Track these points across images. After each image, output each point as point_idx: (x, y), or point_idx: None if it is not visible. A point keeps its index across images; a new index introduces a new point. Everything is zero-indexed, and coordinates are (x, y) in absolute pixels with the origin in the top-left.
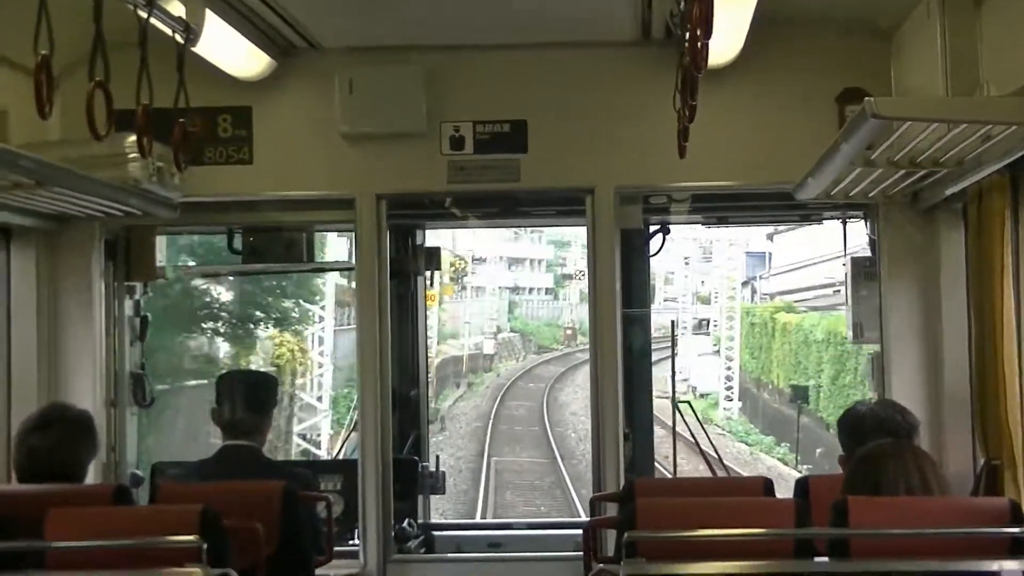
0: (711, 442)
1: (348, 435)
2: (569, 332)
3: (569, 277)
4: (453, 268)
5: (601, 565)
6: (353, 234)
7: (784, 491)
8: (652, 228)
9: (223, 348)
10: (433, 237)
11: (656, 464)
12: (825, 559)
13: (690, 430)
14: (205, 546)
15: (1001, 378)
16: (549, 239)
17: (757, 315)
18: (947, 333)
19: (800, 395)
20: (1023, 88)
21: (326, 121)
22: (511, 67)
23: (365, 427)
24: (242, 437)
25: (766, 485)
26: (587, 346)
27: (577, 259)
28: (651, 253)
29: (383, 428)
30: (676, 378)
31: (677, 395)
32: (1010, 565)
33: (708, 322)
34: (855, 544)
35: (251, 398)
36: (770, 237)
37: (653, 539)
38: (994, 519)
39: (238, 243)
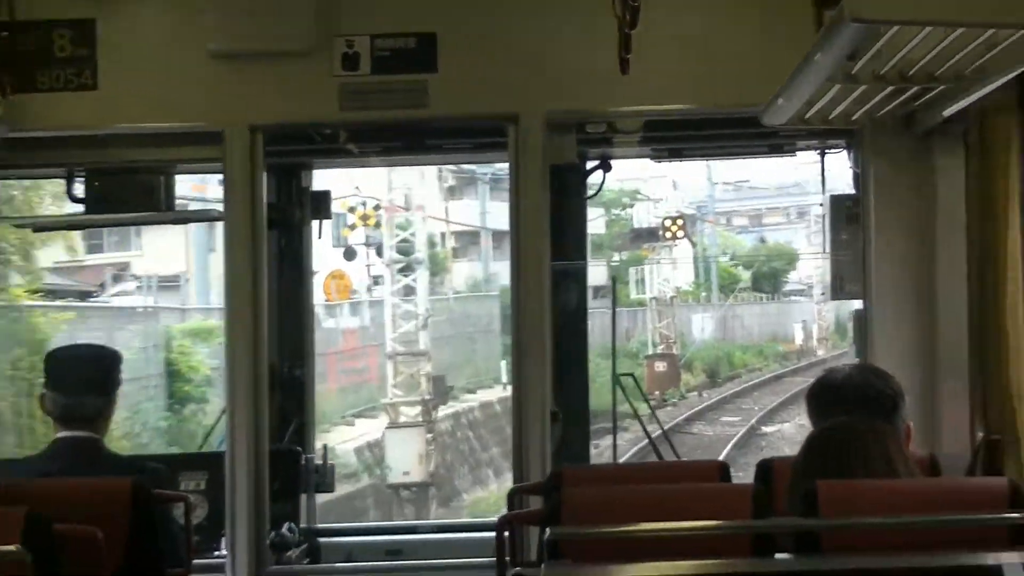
0: (656, 419)
1: (215, 423)
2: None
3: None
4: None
5: (517, 569)
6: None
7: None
8: (589, 164)
9: None
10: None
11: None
12: (789, 556)
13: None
14: (30, 557)
15: (1004, 338)
16: None
17: None
18: (943, 285)
19: None
20: None
21: (190, 37)
22: None
23: (235, 412)
24: (80, 427)
25: (722, 470)
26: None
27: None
28: (588, 195)
29: (258, 413)
30: None
31: None
32: (1009, 557)
33: None
34: (827, 537)
35: (89, 378)
36: None
37: (580, 536)
38: (991, 503)
39: (81, 189)
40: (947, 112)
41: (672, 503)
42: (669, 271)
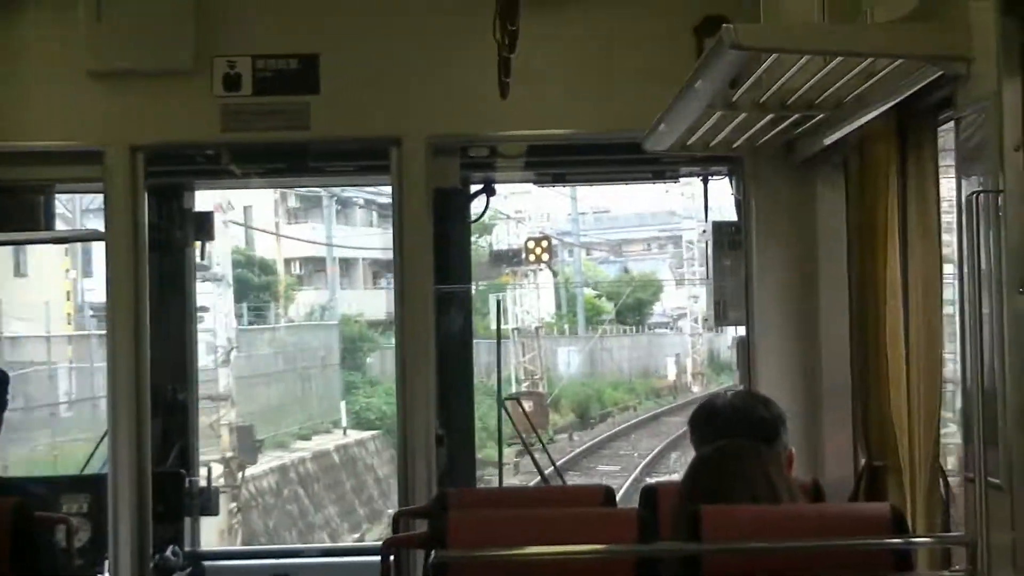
0: (542, 443)
1: (98, 445)
2: None
3: None
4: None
5: None
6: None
7: None
8: (473, 188)
9: None
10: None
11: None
12: None
13: (517, 430)
14: None
15: (883, 364)
16: None
17: None
18: (825, 311)
19: None
20: (913, 13)
21: (70, 55)
22: None
23: (117, 434)
24: None
25: (606, 494)
26: None
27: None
28: (472, 219)
29: (140, 435)
30: None
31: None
32: None
33: None
34: (709, 562)
35: None
36: None
37: (465, 560)
38: (874, 528)
39: None
40: (827, 140)
41: (558, 527)
42: (533, 300)
